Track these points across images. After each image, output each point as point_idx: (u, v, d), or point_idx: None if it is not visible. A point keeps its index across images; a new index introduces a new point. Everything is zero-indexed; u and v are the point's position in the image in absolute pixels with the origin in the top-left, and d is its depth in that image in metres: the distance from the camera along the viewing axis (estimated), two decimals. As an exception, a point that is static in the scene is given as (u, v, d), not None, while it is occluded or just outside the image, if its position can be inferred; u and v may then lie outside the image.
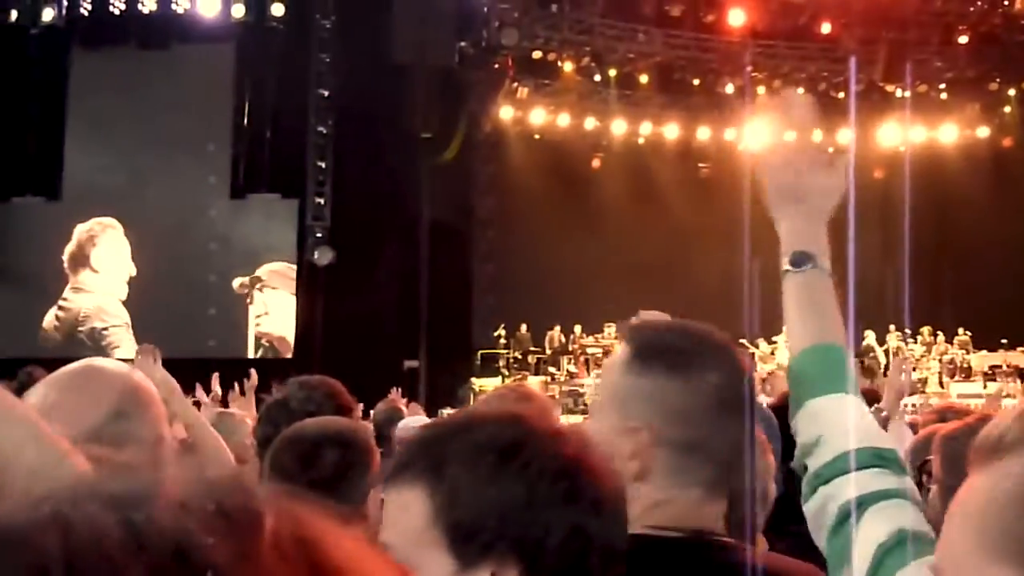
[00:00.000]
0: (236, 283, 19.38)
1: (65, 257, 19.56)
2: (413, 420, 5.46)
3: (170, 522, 0.44)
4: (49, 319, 19.41)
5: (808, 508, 1.44)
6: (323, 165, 19.41)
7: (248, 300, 19.41)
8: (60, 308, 19.45)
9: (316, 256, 19.01)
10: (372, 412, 6.37)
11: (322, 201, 19.35)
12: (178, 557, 0.43)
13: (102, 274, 19.53)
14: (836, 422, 1.44)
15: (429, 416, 10.16)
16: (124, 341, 18.66)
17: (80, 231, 19.62)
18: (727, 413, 1.44)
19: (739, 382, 1.47)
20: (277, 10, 18.96)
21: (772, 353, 18.70)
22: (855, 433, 1.41)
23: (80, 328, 19.11)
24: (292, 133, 19.09)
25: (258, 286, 19.46)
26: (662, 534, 1.44)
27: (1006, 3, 20.14)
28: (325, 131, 19.41)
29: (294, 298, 19.55)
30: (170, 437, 1.96)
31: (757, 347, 18.63)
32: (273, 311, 19.54)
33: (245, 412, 4.88)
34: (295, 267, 19.56)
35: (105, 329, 18.95)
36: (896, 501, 1.36)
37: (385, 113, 18.20)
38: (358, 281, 18.12)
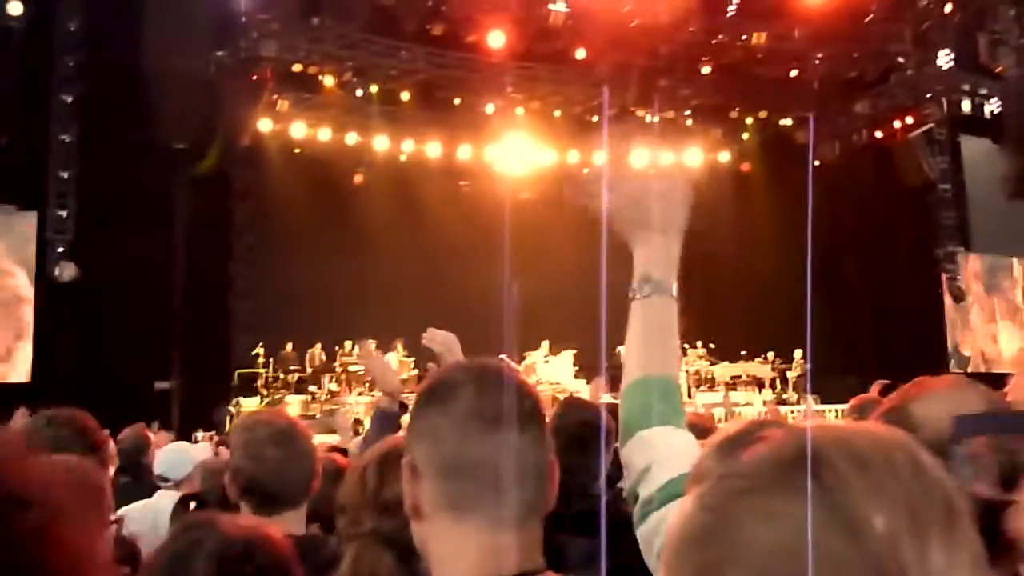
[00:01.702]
0: None
1: None
2: (178, 447, 5.17)
3: None
4: None
5: (641, 533, 1.44)
6: (66, 176, 18.29)
7: None
8: None
9: (57, 272, 17.88)
10: (117, 439, 6.00)
11: (64, 214, 18.23)
12: None
13: None
14: (667, 450, 1.44)
15: (181, 439, 9.73)
16: None
17: None
18: (478, 429, 1.39)
19: (498, 398, 1.41)
20: (15, 8, 17.75)
21: (532, 366, 19.11)
22: (685, 460, 1.40)
23: None
24: (32, 141, 17.90)
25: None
26: None
27: (745, 37, 21.54)
28: (68, 139, 18.31)
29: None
30: None
31: (523, 360, 19.05)
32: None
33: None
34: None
35: None
36: None
37: (135, 122, 17.37)
38: (105, 298, 17.19)
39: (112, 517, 2.35)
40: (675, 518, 0.86)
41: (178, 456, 4.92)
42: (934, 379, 1.52)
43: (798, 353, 20.61)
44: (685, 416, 1.56)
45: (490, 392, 1.40)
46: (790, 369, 20.89)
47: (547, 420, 1.46)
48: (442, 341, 3.19)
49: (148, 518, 4.30)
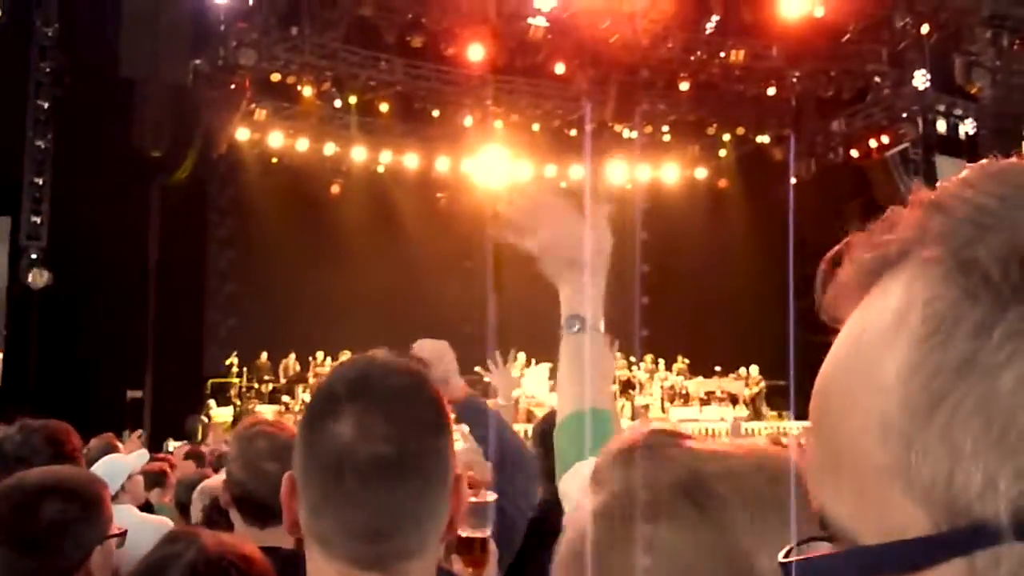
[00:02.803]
0: None
1: None
2: (112, 459, 5.08)
3: None
4: None
5: None
6: (40, 181, 18.15)
7: None
8: None
9: (31, 278, 17.71)
10: (86, 449, 5.93)
11: (39, 220, 18.08)
12: None
13: None
14: None
15: (153, 450, 9.64)
16: None
17: None
18: (347, 480, 1.25)
19: (376, 443, 1.26)
20: (-9, 13, 17.62)
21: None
22: None
23: None
24: (7, 146, 17.74)
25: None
26: None
27: (723, 54, 21.66)
28: (43, 145, 18.18)
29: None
30: None
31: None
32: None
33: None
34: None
35: None
36: None
37: (111, 129, 17.26)
38: (77, 306, 17.05)
39: (116, 531, 2.34)
40: (571, 528, 0.88)
41: (111, 468, 4.84)
42: None
43: (755, 370, 20.64)
44: None
45: (372, 430, 1.26)
46: (754, 385, 20.86)
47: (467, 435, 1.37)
48: (432, 349, 3.08)
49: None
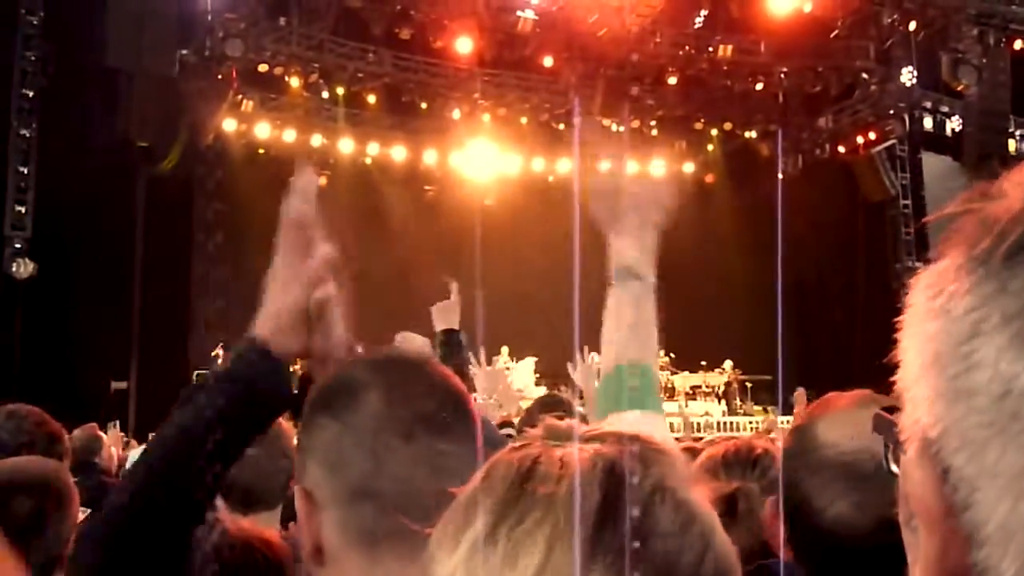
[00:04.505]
0: None
1: None
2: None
3: None
4: None
5: None
6: (25, 171, 18.04)
7: None
8: None
9: (15, 268, 17.62)
10: (69, 438, 5.91)
11: (23, 209, 17.98)
12: None
13: None
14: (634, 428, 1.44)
15: (138, 443, 9.62)
16: None
17: None
18: (393, 441, 1.17)
19: (414, 396, 1.21)
20: (-24, 1, 17.51)
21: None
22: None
23: None
24: (-9, 135, 17.66)
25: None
26: None
27: (711, 49, 21.68)
28: (28, 134, 18.07)
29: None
30: None
31: (491, 365, 18.93)
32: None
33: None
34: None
35: None
36: None
37: (97, 118, 17.18)
38: (62, 296, 16.97)
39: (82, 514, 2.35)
40: None
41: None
42: (840, 396, 1.51)
43: (728, 364, 20.63)
44: (661, 401, 1.56)
45: (403, 390, 1.22)
46: (731, 379, 20.79)
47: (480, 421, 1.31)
48: (420, 347, 3.08)
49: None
